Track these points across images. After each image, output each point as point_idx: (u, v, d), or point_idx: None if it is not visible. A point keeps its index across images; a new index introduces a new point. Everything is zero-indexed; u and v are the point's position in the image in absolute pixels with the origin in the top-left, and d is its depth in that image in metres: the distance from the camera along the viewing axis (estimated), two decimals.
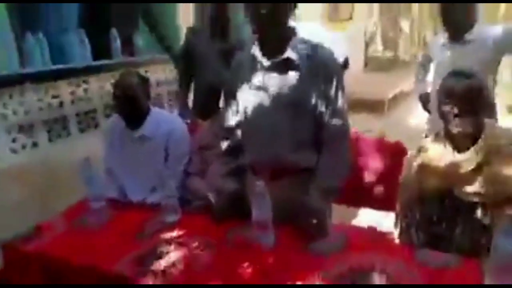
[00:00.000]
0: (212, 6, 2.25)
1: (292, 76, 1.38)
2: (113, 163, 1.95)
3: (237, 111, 1.53)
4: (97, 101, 2.83)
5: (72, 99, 2.66)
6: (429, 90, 2.30)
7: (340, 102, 1.42)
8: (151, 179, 1.82)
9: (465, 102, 1.26)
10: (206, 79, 2.31)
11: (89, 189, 1.67)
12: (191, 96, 2.51)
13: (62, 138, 2.61)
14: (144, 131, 1.87)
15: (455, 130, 1.29)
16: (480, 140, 1.29)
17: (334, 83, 1.39)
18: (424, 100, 2.37)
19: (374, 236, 1.61)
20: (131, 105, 1.83)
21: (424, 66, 2.43)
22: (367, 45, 7.98)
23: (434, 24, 8.60)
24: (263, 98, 1.42)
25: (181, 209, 1.59)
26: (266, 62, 1.39)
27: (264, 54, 1.40)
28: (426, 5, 9.16)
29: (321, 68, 1.37)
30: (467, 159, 1.30)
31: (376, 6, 8.30)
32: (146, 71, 3.11)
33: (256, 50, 1.41)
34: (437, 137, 1.41)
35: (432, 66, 2.30)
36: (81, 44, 2.74)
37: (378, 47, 8.94)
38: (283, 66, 1.38)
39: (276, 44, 1.37)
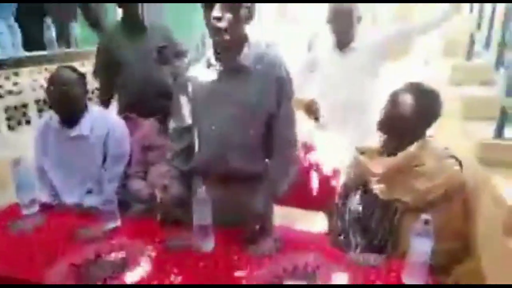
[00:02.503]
0: (124, 7, 2.23)
1: (244, 82, 1.40)
2: (46, 162, 1.85)
3: (188, 114, 1.52)
4: (29, 95, 2.64)
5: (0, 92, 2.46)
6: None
7: (289, 109, 1.46)
8: (87, 181, 1.76)
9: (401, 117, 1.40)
10: (137, 79, 2.28)
11: (20, 193, 1.58)
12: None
13: None
14: (81, 130, 1.80)
15: (386, 143, 1.43)
16: (406, 151, 1.41)
17: (284, 90, 1.43)
18: (314, 108, 2.35)
19: (310, 237, 1.70)
20: (67, 103, 1.76)
21: (307, 72, 2.46)
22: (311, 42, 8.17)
23: None
24: (214, 103, 1.43)
25: (120, 213, 1.56)
26: (219, 67, 1.41)
27: (217, 59, 1.41)
28: None
29: (271, 76, 1.41)
30: (392, 162, 1.43)
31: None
32: (82, 64, 2.95)
33: (210, 55, 1.42)
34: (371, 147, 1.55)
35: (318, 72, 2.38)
36: (13, 35, 2.53)
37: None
38: (236, 72, 1.40)
39: (230, 50, 1.39)
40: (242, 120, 1.41)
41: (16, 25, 2.57)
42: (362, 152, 1.55)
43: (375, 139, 1.54)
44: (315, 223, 2.03)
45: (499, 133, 1.60)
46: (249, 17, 1.37)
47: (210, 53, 1.43)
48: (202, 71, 1.45)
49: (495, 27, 1.85)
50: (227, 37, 1.32)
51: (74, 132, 1.80)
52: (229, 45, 1.37)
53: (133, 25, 2.30)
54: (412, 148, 1.41)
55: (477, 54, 2.09)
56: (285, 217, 1.84)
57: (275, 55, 1.46)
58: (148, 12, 2.66)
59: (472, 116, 1.83)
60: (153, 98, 2.07)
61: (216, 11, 1.27)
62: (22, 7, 2.73)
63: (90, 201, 1.74)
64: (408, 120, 1.41)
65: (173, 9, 3.67)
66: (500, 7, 1.79)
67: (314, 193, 1.95)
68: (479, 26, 2.09)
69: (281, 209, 1.65)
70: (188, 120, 1.53)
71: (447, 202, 1.36)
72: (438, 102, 1.43)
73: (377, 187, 1.45)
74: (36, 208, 1.62)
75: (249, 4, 1.35)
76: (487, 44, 1.91)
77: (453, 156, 1.42)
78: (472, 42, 2.17)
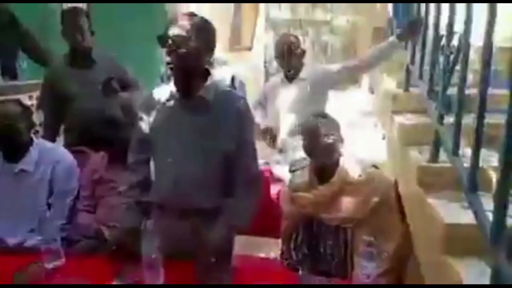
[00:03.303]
0: (73, 38, 2.21)
1: (203, 116, 1.41)
2: None
3: (145, 146, 1.50)
4: None
5: None
6: (270, 124, 2.47)
7: (249, 144, 1.48)
8: (30, 219, 1.67)
9: (317, 138, 1.50)
10: (83, 111, 2.23)
11: None
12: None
13: None
14: (24, 165, 1.73)
15: (316, 162, 1.53)
16: (336, 173, 1.52)
17: (244, 125, 1.45)
18: (270, 134, 2.47)
19: (265, 264, 1.71)
20: (10, 137, 1.70)
21: (261, 104, 2.59)
22: (266, 69, 8.42)
23: None
24: (173, 135, 1.42)
25: (66, 249, 1.49)
26: (180, 100, 1.41)
27: (178, 91, 1.42)
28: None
29: (232, 111, 1.42)
30: (326, 189, 1.52)
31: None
32: (30, 97, 2.85)
33: (172, 87, 1.42)
34: (304, 171, 1.63)
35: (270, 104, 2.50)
36: None
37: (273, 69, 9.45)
38: (196, 106, 1.41)
39: (190, 84, 1.40)
40: (200, 154, 1.41)
41: None
42: (295, 190, 1.61)
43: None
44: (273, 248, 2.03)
45: (434, 157, 1.72)
46: (208, 50, 1.39)
47: (171, 85, 1.44)
48: (165, 104, 1.44)
49: (426, 60, 2.02)
50: (183, 73, 1.35)
51: (17, 167, 1.72)
52: (187, 80, 1.39)
53: (79, 57, 2.27)
54: (341, 171, 1.52)
55: (414, 85, 2.27)
56: (242, 245, 1.84)
57: (235, 91, 1.50)
58: (106, 43, 2.65)
59: (410, 142, 1.96)
60: (100, 131, 2.03)
61: (171, 48, 1.30)
62: None
63: (33, 241, 1.64)
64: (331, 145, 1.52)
65: (137, 40, 3.68)
66: (430, 41, 1.98)
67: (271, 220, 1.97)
68: (412, 60, 2.28)
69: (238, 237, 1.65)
70: (146, 152, 1.51)
71: (386, 205, 1.47)
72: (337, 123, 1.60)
73: (324, 216, 1.51)
74: None
75: (206, 40, 1.37)
76: (420, 76, 2.08)
77: (373, 165, 1.60)
78: (408, 74, 2.35)
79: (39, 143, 1.81)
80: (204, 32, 1.37)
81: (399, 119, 2.14)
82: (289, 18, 12.66)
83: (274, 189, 2.03)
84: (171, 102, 1.43)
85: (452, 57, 1.59)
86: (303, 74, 2.33)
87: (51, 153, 1.80)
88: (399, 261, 1.44)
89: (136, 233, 1.43)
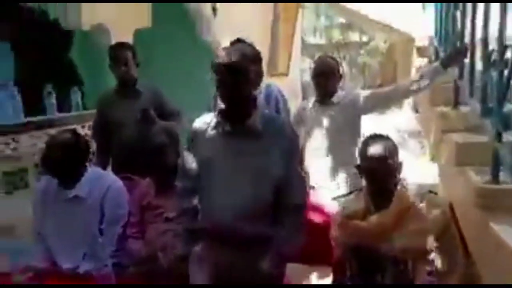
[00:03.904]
0: (119, 70, 2.36)
1: (252, 145, 1.40)
2: (45, 226, 1.83)
3: (193, 174, 1.51)
4: (28, 160, 2.67)
5: None
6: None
7: (297, 172, 1.47)
8: (83, 244, 1.73)
9: (383, 162, 1.41)
10: (129, 139, 2.35)
11: (13, 259, 1.55)
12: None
13: None
14: (78, 191, 1.80)
15: (374, 187, 1.43)
16: (394, 198, 1.43)
17: (292, 153, 1.44)
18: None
19: None
20: (64, 165, 1.77)
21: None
22: (303, 95, 8.44)
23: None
24: (221, 165, 1.42)
25: (117, 276, 1.51)
26: (228, 128, 1.41)
27: (227, 120, 1.42)
28: None
29: (281, 139, 1.42)
30: (385, 217, 1.43)
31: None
32: (83, 127, 3.02)
33: (219, 115, 1.44)
34: (358, 196, 1.54)
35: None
36: (13, 100, 2.62)
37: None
38: (244, 135, 1.41)
39: (240, 112, 1.40)
40: (249, 183, 1.40)
41: (16, 91, 2.67)
42: (349, 217, 1.53)
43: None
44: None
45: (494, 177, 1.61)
46: (257, 79, 1.40)
47: (219, 114, 1.44)
48: (211, 132, 1.45)
49: (476, 75, 1.93)
50: (234, 100, 1.36)
51: (72, 193, 1.79)
52: (237, 108, 1.39)
53: (125, 88, 2.42)
54: (401, 196, 1.43)
55: (463, 102, 2.16)
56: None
57: (284, 118, 1.48)
58: (155, 74, 2.79)
59: (466, 162, 1.85)
60: (146, 158, 2.11)
61: (224, 76, 1.32)
62: (22, 73, 2.86)
63: (84, 266, 1.69)
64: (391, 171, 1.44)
65: (186, 71, 3.86)
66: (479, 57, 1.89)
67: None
68: (461, 75, 2.18)
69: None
70: (194, 180, 1.51)
71: (448, 234, 1.39)
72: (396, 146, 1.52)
73: (382, 246, 1.42)
74: (29, 275, 1.57)
75: (256, 68, 1.38)
76: (471, 93, 1.99)
77: (430, 191, 1.51)
78: (457, 90, 2.25)
79: (92, 170, 1.89)
80: (255, 60, 1.39)
81: (452, 138, 2.03)
82: (324, 43, 12.75)
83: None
84: (219, 130, 1.43)
85: (506, 71, 1.51)
86: (335, 98, 2.24)
87: (103, 180, 1.87)
88: None
89: (186, 259, 1.45)
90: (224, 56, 1.37)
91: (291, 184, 1.44)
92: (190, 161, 1.52)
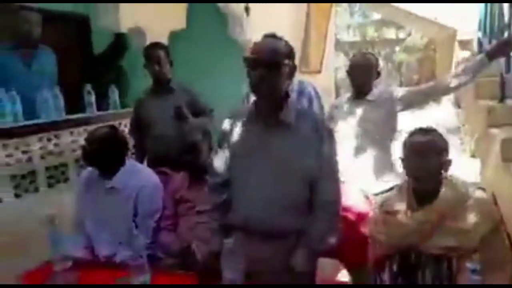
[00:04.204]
0: (152, 69, 2.44)
1: (284, 139, 1.40)
2: (85, 215, 1.91)
3: (227, 168, 1.52)
4: (69, 155, 2.79)
5: (41, 154, 2.61)
6: None
7: (331, 164, 1.44)
8: (120, 233, 1.77)
9: (429, 155, 1.34)
10: (163, 135, 2.45)
11: (54, 249, 1.60)
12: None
13: (29, 193, 2.54)
14: (115, 183, 1.86)
15: (418, 182, 1.35)
16: (440, 194, 1.35)
17: (326, 146, 1.41)
18: None
19: None
20: (104, 157, 1.85)
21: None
22: (337, 94, 8.33)
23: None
24: (254, 158, 1.42)
25: (152, 267, 1.53)
26: (261, 121, 1.42)
27: (258, 115, 1.43)
28: None
29: (313, 131, 1.40)
30: (429, 214, 1.34)
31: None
32: (119, 124, 3.12)
33: (251, 109, 1.44)
34: (400, 191, 1.46)
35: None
36: (55, 99, 2.74)
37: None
38: (276, 128, 1.40)
39: (272, 105, 1.40)
40: (282, 177, 1.39)
41: (59, 91, 2.79)
42: (390, 213, 1.45)
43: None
44: None
45: None
46: (291, 74, 1.39)
47: (252, 108, 1.45)
48: (244, 126, 1.46)
49: None
50: (269, 94, 1.35)
51: (109, 184, 1.87)
52: (271, 102, 1.39)
53: (160, 87, 2.52)
54: (448, 191, 1.34)
55: (510, 96, 2.04)
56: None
57: (316, 111, 1.45)
58: (190, 73, 2.86)
59: (510, 158, 1.74)
60: (178, 153, 2.15)
61: (259, 70, 1.32)
62: (64, 74, 2.99)
63: (122, 255, 1.74)
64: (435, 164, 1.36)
65: (220, 70, 3.95)
66: None
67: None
68: (508, 68, 2.05)
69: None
70: (226, 174, 1.52)
71: (497, 234, 1.29)
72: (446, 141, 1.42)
73: (426, 244, 1.35)
74: (68, 264, 1.62)
75: (289, 62, 1.37)
76: None
77: (479, 187, 1.37)
78: (503, 84, 2.12)
79: (130, 163, 1.96)
80: (288, 54, 1.38)
81: (497, 133, 1.91)
82: (358, 40, 12.51)
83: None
84: (252, 124, 1.43)
85: None
86: (370, 96, 2.18)
87: (139, 174, 1.93)
88: None
89: (219, 253, 1.44)
90: (257, 49, 1.36)
91: (324, 178, 1.41)
92: (221, 157, 1.53)
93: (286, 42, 1.42)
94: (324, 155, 1.41)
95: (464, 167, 2.81)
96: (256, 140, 1.42)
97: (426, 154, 1.35)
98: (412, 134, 1.44)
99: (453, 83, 2.04)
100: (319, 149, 1.40)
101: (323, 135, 1.41)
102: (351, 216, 1.88)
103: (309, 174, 1.40)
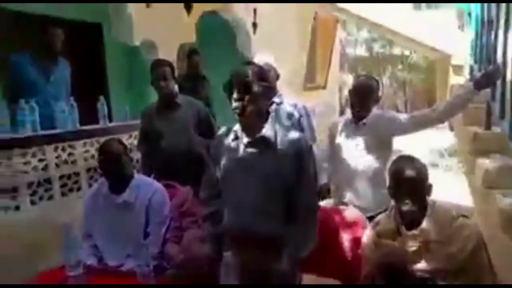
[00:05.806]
0: (159, 86, 2.53)
1: (266, 154, 1.56)
2: (94, 227, 2.00)
3: (216, 182, 1.68)
4: (81, 165, 2.94)
5: (56, 163, 2.77)
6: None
7: (309, 179, 1.59)
8: (128, 246, 1.89)
9: (413, 183, 1.46)
10: (169, 149, 2.53)
11: (68, 255, 1.70)
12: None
13: (44, 200, 2.68)
14: (126, 197, 1.96)
15: (405, 208, 1.47)
16: (425, 218, 1.46)
17: (304, 162, 1.57)
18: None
19: None
20: (115, 170, 1.95)
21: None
22: (342, 109, 8.46)
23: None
24: (240, 172, 1.58)
25: (157, 277, 1.66)
26: (245, 139, 1.58)
27: (243, 131, 1.59)
28: None
29: (293, 148, 1.56)
30: (415, 237, 1.45)
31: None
32: (130, 136, 3.27)
33: (237, 128, 1.61)
34: (389, 215, 1.57)
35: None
36: (71, 110, 2.91)
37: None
38: (260, 143, 1.57)
39: (250, 124, 1.57)
40: (264, 189, 1.54)
41: (75, 103, 2.95)
42: (380, 235, 1.55)
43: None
44: None
45: None
46: (267, 94, 1.56)
47: (237, 126, 1.62)
48: (231, 142, 1.62)
49: (507, 96, 1.94)
50: (246, 113, 1.51)
51: (121, 198, 1.96)
52: (249, 121, 1.55)
53: (165, 102, 2.60)
54: (433, 216, 1.45)
55: (495, 123, 2.15)
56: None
57: (295, 130, 1.60)
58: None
59: (493, 185, 1.86)
60: (185, 166, 2.25)
61: (235, 93, 1.50)
62: (78, 86, 3.17)
63: (129, 264, 1.86)
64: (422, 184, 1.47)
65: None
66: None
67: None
68: (493, 97, 2.17)
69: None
70: (218, 187, 1.68)
71: (479, 257, 1.39)
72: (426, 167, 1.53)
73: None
74: (80, 269, 1.73)
75: (265, 83, 1.54)
76: (502, 115, 1.99)
77: (462, 215, 1.48)
78: (489, 112, 2.24)
79: (139, 178, 2.07)
80: (260, 77, 1.54)
81: (480, 161, 2.04)
82: (365, 56, 12.61)
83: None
84: (237, 141, 1.60)
85: None
86: (367, 120, 2.24)
87: (148, 186, 2.04)
88: None
89: (212, 261, 1.60)
90: (232, 74, 1.54)
91: (302, 191, 1.56)
92: (213, 170, 1.69)
93: (259, 66, 1.61)
94: (303, 168, 1.56)
95: (459, 189, 2.89)
96: (241, 155, 1.58)
97: (410, 182, 1.46)
98: (395, 161, 1.56)
99: (444, 114, 2.13)
100: (298, 163, 1.55)
101: (302, 150, 1.56)
102: (349, 237, 1.97)
103: (288, 186, 1.55)
